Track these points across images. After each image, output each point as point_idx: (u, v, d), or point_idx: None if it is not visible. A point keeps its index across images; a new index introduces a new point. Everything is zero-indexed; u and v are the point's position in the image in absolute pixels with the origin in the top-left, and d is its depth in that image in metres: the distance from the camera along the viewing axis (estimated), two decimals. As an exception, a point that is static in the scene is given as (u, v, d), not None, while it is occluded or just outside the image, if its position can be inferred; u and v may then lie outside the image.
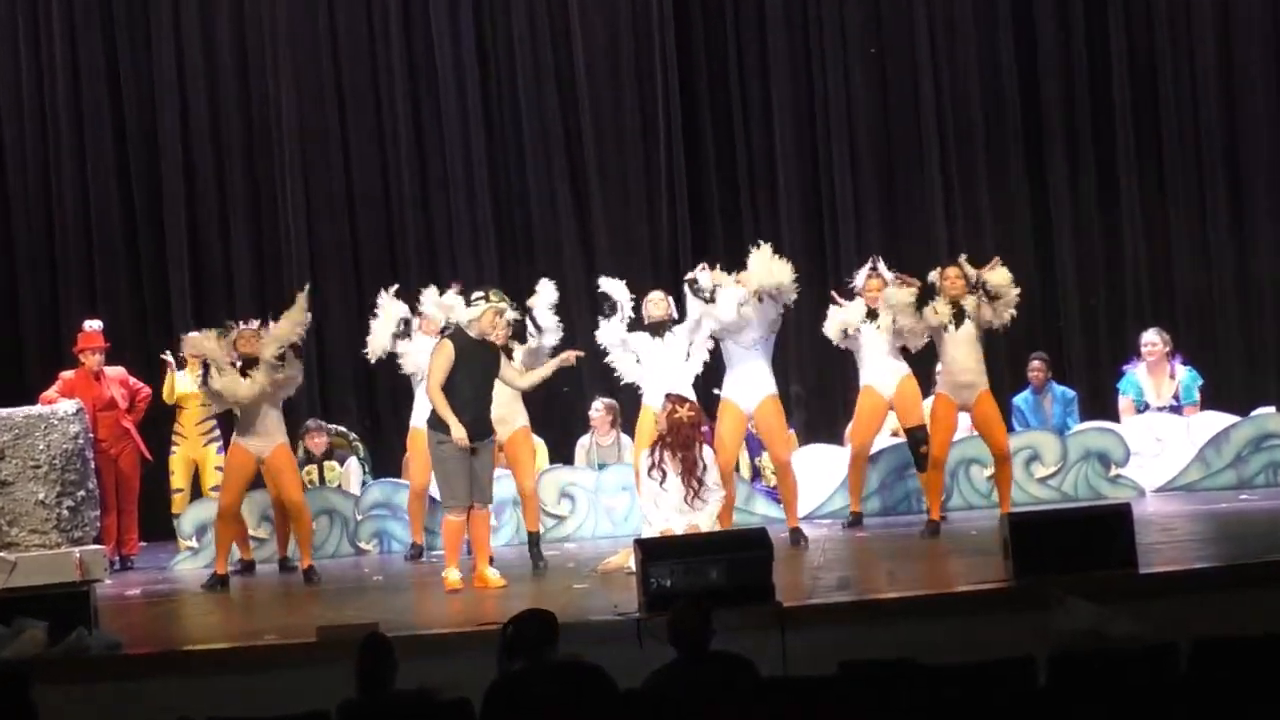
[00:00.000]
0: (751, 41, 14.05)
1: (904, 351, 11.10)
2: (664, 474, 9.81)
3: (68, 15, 14.26)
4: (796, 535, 10.65)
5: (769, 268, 10.60)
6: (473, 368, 9.91)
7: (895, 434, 12.03)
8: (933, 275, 10.75)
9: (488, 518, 10.15)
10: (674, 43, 13.99)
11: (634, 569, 8.37)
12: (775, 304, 10.66)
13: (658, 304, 10.82)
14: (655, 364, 10.71)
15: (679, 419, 9.81)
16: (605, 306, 10.85)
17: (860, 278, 11.16)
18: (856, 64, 13.92)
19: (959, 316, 10.64)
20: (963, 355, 10.65)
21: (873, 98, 13.95)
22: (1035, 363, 12.32)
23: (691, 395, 10.44)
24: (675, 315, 10.86)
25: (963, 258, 10.82)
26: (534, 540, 10.81)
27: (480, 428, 9.91)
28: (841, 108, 13.89)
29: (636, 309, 10.80)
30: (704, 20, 14.11)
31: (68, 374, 12.28)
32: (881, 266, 11.13)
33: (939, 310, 10.62)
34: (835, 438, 12.39)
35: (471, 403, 9.87)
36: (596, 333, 10.92)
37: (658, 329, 10.75)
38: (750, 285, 10.53)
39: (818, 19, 13.93)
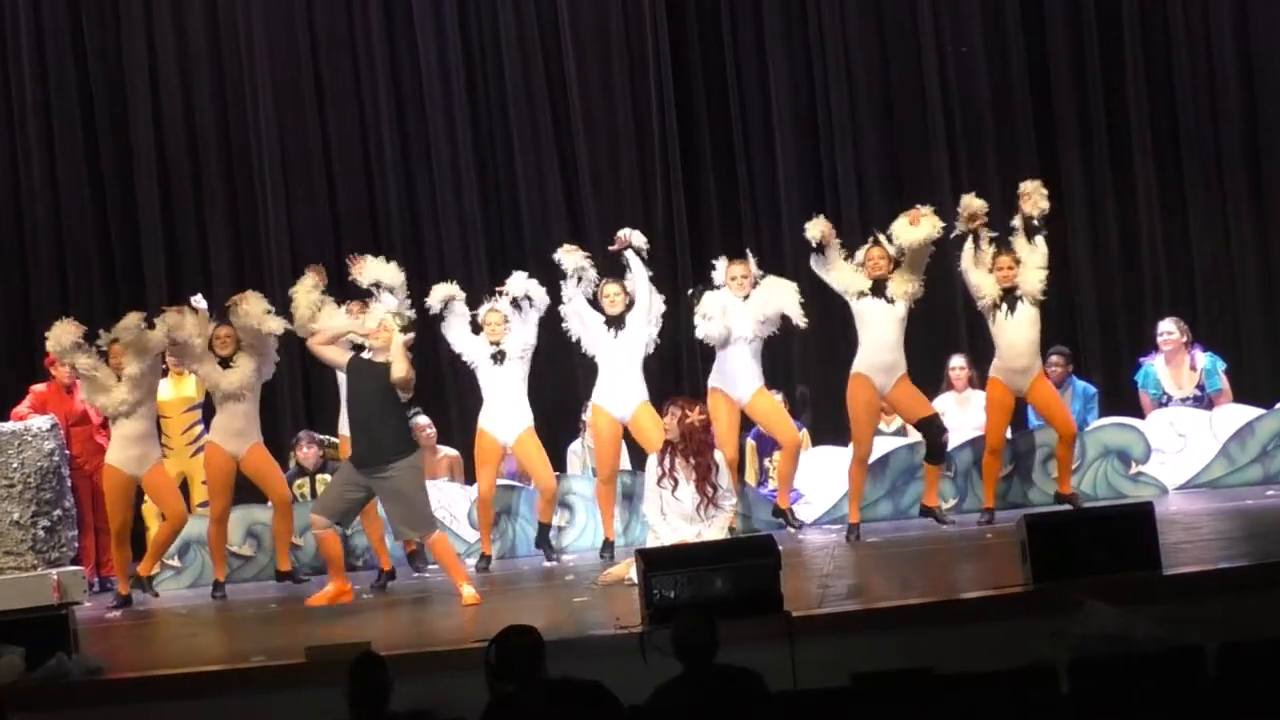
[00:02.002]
0: (747, 26, 14.02)
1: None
2: (676, 482, 9.72)
3: (34, 13, 14.26)
4: (782, 514, 11.17)
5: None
6: (361, 389, 9.96)
7: (900, 431, 12.05)
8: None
9: (442, 541, 10.12)
10: (666, 27, 13.97)
11: (636, 580, 8.38)
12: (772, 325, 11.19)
13: (614, 300, 11.13)
14: (610, 359, 11.13)
15: (691, 424, 9.73)
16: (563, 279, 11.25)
17: (861, 253, 11.10)
18: (857, 53, 13.89)
19: (1012, 301, 10.88)
20: (1019, 339, 10.92)
21: (876, 87, 13.90)
22: (1054, 358, 12.28)
23: (643, 389, 11.03)
24: (633, 302, 11.22)
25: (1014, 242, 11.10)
26: (543, 532, 11.31)
27: (374, 454, 9.81)
28: (844, 99, 13.83)
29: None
30: (698, 3, 14.11)
31: (39, 387, 12.28)
32: (884, 240, 11.07)
33: (986, 289, 10.95)
34: (843, 439, 12.40)
35: (363, 427, 9.91)
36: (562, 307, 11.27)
37: (615, 322, 11.12)
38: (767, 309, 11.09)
39: (816, 3, 13.92)
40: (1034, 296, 10.96)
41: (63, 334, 11.00)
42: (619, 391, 11.12)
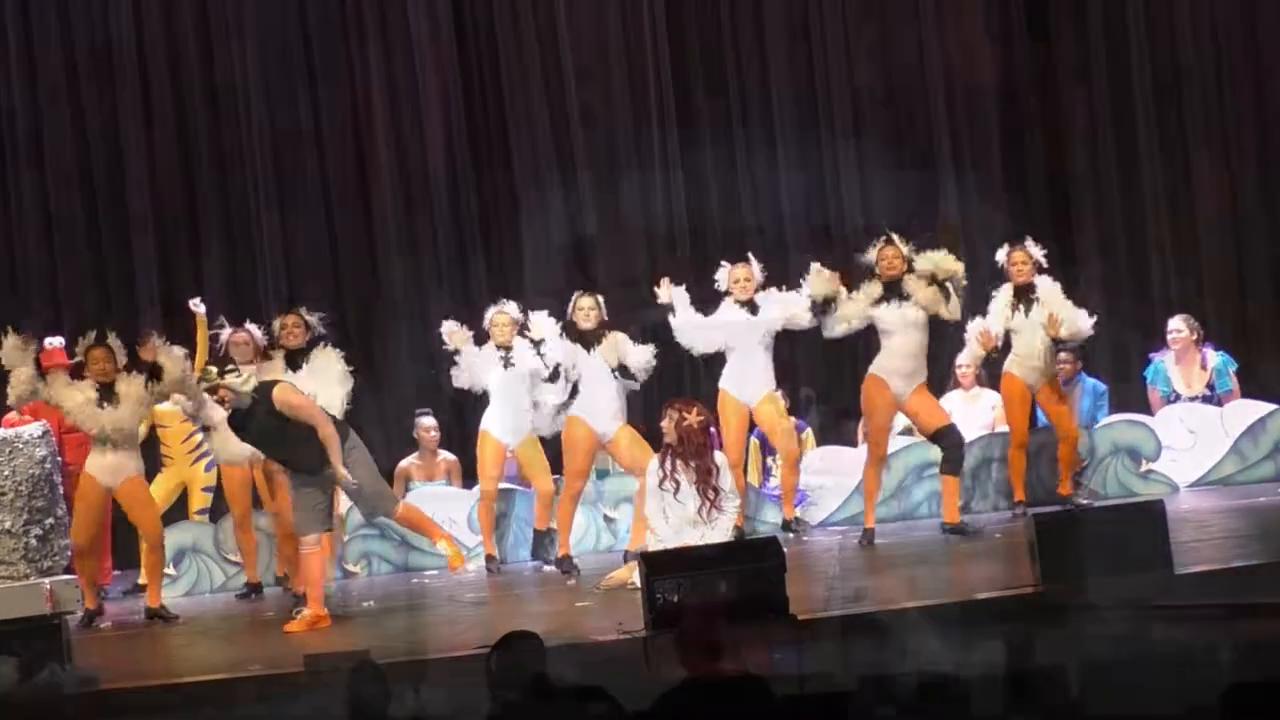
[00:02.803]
0: (748, 24, 14.01)
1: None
2: (677, 485, 9.68)
3: (23, 16, 14.26)
4: (791, 525, 11.12)
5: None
6: (262, 438, 10.07)
7: (907, 431, 12.05)
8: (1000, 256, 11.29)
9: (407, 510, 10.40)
10: (665, 26, 13.96)
11: (639, 584, 8.38)
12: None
13: (588, 314, 10.93)
14: (585, 377, 10.93)
15: (689, 426, 9.68)
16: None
17: (873, 252, 10.93)
18: (859, 51, 13.87)
19: (1028, 302, 11.12)
20: (1028, 340, 11.11)
21: (878, 86, 13.90)
22: (1064, 355, 12.21)
23: (622, 406, 10.88)
24: (605, 319, 11.01)
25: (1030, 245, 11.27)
26: (538, 539, 11.25)
27: (315, 465, 9.87)
28: (845, 97, 13.86)
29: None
30: (698, 1, 14.11)
31: (32, 393, 12.25)
32: (897, 239, 10.94)
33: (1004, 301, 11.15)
34: (847, 440, 12.40)
35: (293, 449, 9.95)
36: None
37: (588, 340, 10.91)
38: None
39: (818, 1, 13.92)
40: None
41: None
42: (600, 406, 10.90)
